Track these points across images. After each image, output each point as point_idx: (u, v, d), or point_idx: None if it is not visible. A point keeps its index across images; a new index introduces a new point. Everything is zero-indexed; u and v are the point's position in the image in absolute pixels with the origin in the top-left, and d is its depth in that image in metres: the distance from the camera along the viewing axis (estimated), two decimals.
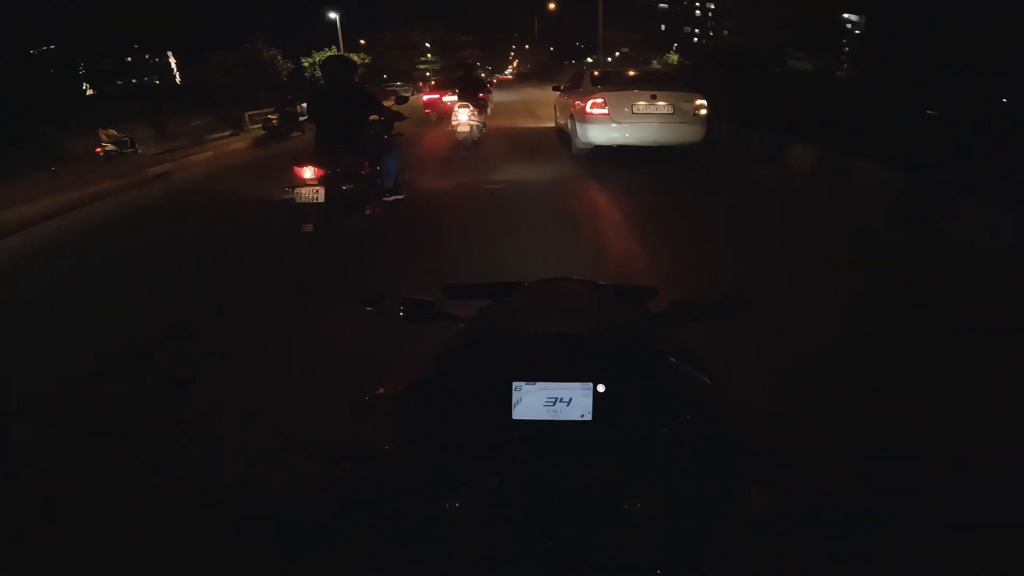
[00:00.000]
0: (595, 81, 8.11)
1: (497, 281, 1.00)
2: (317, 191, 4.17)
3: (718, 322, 0.91)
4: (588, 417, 0.68)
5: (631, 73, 8.81)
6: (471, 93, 10.23)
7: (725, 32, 64.06)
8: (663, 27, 74.23)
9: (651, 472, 0.64)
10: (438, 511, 0.62)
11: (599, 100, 7.33)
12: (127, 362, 2.82)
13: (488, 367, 0.73)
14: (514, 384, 0.69)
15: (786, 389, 2.11)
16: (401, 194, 5.25)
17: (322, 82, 4.85)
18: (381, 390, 0.79)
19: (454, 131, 9.90)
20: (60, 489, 1.78)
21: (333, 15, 32.72)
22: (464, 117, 9.78)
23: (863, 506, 0.61)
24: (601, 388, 0.68)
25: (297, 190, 4.20)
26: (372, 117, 4.92)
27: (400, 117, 5.33)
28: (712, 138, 7.97)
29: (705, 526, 0.64)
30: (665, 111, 7.27)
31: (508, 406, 0.69)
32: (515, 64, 71.34)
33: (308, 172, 4.23)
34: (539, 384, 0.69)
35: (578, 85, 8.59)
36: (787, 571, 0.58)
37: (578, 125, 7.65)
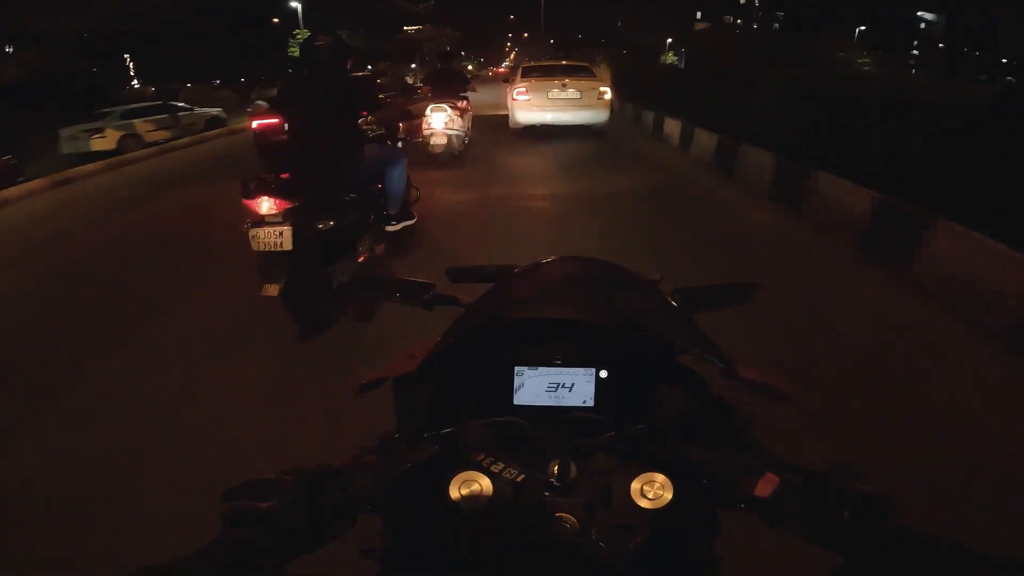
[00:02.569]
0: (524, 73, 9.53)
1: (499, 265, 0.96)
2: (280, 233, 2.64)
3: (722, 310, 0.89)
4: (590, 403, 0.67)
5: (553, 65, 10.01)
6: (449, 91, 7.40)
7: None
8: (699, 14, 62.35)
9: (654, 458, 0.59)
10: (439, 498, 0.58)
11: (523, 88, 8.88)
12: None
13: (489, 352, 0.69)
14: (516, 369, 0.67)
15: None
16: (412, 218, 3.69)
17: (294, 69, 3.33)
18: (381, 374, 0.73)
19: (426, 143, 6.93)
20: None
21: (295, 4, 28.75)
22: (439, 124, 6.90)
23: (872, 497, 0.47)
24: (604, 374, 0.67)
25: (253, 232, 2.62)
26: (369, 117, 3.49)
27: (409, 116, 3.89)
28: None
29: (712, 514, 0.62)
30: (574, 96, 8.79)
31: (509, 391, 0.67)
32: (512, 57, 67.96)
33: (266, 205, 2.65)
34: (541, 369, 0.68)
35: (514, 76, 9.85)
36: (794, 561, 0.57)
37: (511, 109, 9.17)
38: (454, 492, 0.58)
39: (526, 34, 70.30)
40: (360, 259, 3.06)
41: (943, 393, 2.36)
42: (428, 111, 6.97)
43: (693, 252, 4.07)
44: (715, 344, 0.70)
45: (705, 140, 7.77)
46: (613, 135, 9.61)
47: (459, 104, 7.32)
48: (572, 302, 0.77)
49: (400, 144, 3.85)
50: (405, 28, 41.66)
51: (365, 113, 3.39)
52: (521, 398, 0.67)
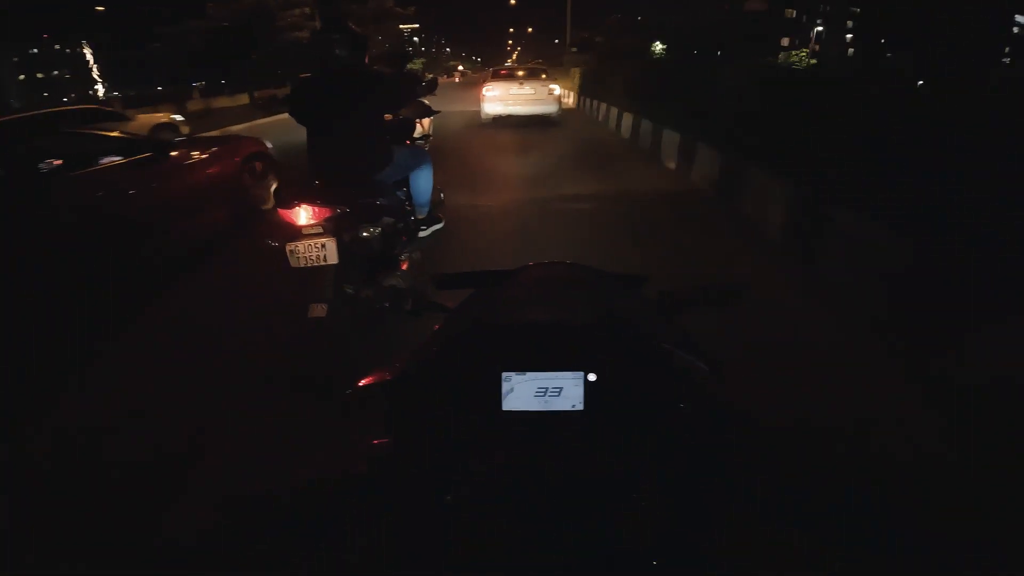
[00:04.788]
0: (493, 75, 11.76)
1: (488, 269, 0.95)
2: (323, 245, 2.37)
3: (709, 310, 0.88)
4: (580, 407, 0.66)
5: (515, 69, 12.34)
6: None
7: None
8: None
9: (646, 461, 0.61)
10: (431, 505, 0.59)
11: (490, 87, 11.15)
12: None
13: (476, 358, 0.69)
14: (503, 375, 0.66)
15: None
16: (440, 222, 3.39)
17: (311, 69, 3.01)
18: (368, 381, 0.73)
19: None
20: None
21: None
22: None
23: (865, 491, 0.50)
24: (592, 377, 0.66)
25: (291, 247, 2.33)
26: (388, 117, 3.22)
27: (429, 112, 3.64)
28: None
29: (704, 515, 0.60)
30: (529, 93, 11.03)
31: (498, 397, 0.66)
32: (515, 57, 66.21)
33: (304, 215, 2.40)
34: (529, 374, 0.67)
35: (485, 79, 12.04)
36: (790, 560, 0.55)
37: (481, 104, 11.24)
38: (439, 499, 0.58)
39: (530, 29, 68.66)
40: (403, 266, 2.83)
41: None
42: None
43: None
44: (698, 345, 0.70)
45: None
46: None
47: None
48: (558, 306, 0.77)
49: (425, 144, 3.60)
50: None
51: (389, 116, 3.13)
52: (510, 404, 0.66)
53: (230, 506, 0.54)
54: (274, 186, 5.32)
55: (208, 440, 2.03)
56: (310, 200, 2.32)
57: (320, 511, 0.54)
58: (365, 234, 2.47)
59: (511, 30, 78.60)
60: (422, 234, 3.23)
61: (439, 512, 0.59)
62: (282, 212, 2.34)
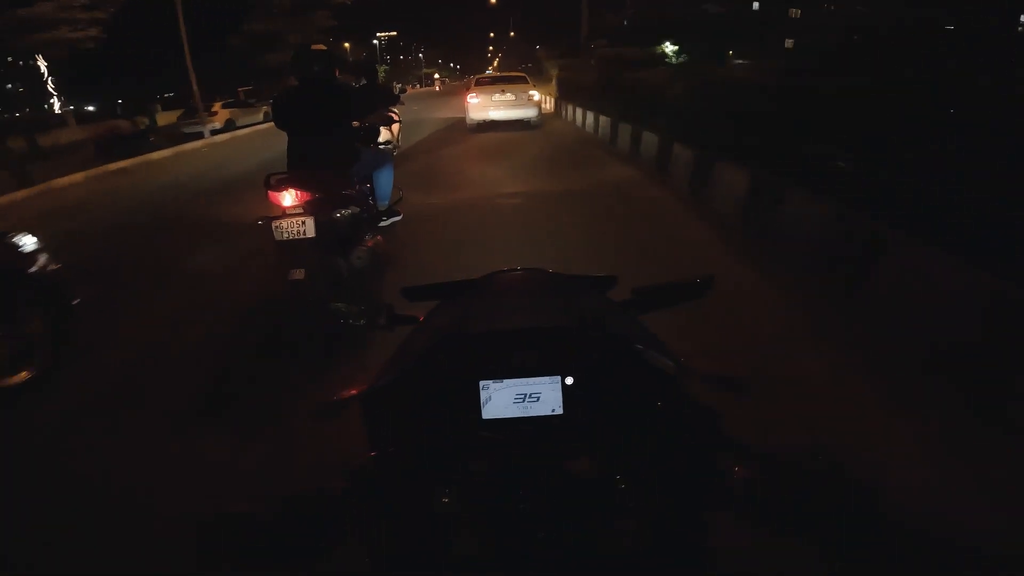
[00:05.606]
0: (477, 83, 12.90)
1: (456, 280, 0.95)
2: (303, 223, 3.01)
3: (679, 305, 0.90)
4: (559, 411, 0.67)
5: (497, 76, 13.70)
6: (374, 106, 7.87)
7: None
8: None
9: (628, 461, 0.62)
10: (417, 518, 0.61)
11: (474, 94, 12.12)
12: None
13: (452, 369, 0.69)
14: (481, 383, 0.67)
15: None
16: (399, 215, 4.08)
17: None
18: (342, 396, 0.73)
19: None
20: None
21: None
22: None
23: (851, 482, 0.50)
24: (570, 381, 0.67)
25: (276, 223, 2.96)
26: (356, 124, 3.87)
27: (389, 121, 4.30)
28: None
29: (688, 510, 0.62)
30: (510, 99, 11.88)
31: (477, 406, 0.67)
32: (496, 64, 66.18)
33: (289, 198, 3.00)
34: (506, 381, 0.67)
35: (469, 87, 13.23)
36: (778, 554, 0.58)
37: (466, 111, 12.24)
38: (425, 511, 0.61)
39: (512, 32, 67.28)
40: (368, 244, 3.44)
41: None
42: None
43: None
44: (664, 343, 0.73)
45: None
46: None
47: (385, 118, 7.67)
48: (531, 311, 0.78)
49: (395, 150, 4.24)
50: None
51: (357, 123, 3.78)
52: (489, 412, 0.67)
53: (216, 526, 0.53)
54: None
55: (181, 454, 2.10)
56: (294, 185, 2.93)
57: (305, 527, 0.55)
58: (338, 215, 3.08)
59: (491, 35, 78.14)
60: (383, 223, 3.84)
61: (425, 524, 0.60)
62: (271, 194, 2.92)
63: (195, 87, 16.77)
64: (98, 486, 1.94)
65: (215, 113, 19.25)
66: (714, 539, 0.63)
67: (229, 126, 19.33)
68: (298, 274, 2.97)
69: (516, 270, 0.95)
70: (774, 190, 4.14)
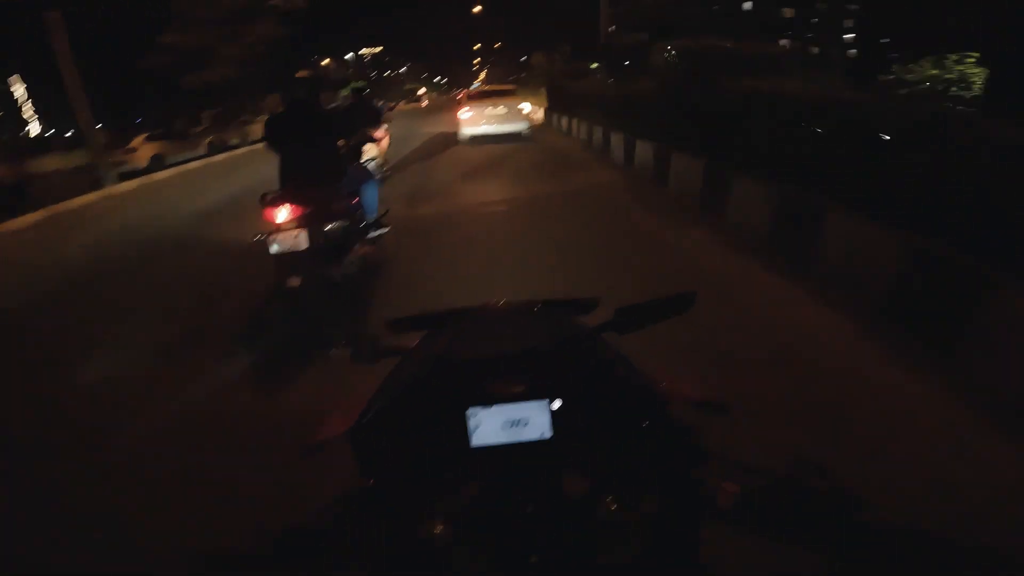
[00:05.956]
0: (468, 98, 13.53)
1: (440, 311, 0.97)
2: (297, 235, 3.31)
3: (662, 321, 0.91)
4: (548, 435, 0.67)
5: (488, 90, 13.80)
6: (363, 124, 8.39)
7: None
8: None
9: (618, 480, 0.64)
10: (413, 542, 0.61)
11: (466, 109, 12.57)
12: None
13: (440, 397, 0.71)
14: (468, 411, 0.67)
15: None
16: (386, 226, 4.43)
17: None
18: (331, 426, 0.77)
19: None
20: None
21: None
22: None
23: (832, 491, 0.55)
24: (557, 405, 0.68)
25: (272, 237, 3.30)
26: (341, 143, 4.19)
27: (371, 139, 4.63)
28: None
29: (679, 524, 0.64)
30: (503, 112, 12.41)
31: (466, 434, 0.67)
32: (484, 76, 65.89)
33: (283, 213, 3.33)
34: (494, 408, 0.68)
35: (461, 102, 14.00)
36: (772, 561, 0.59)
37: (459, 126, 12.63)
38: (418, 541, 0.62)
39: (498, 43, 65.93)
40: (359, 253, 3.76)
41: None
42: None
43: None
44: (635, 366, 0.75)
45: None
46: None
47: (375, 134, 8.05)
48: (516, 338, 0.80)
49: (384, 166, 4.56)
50: None
51: (342, 142, 4.10)
52: (478, 439, 0.68)
53: (211, 563, 0.55)
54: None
55: (174, 491, 2.11)
56: (287, 201, 3.23)
57: (301, 561, 0.56)
58: (328, 227, 3.38)
59: (477, 46, 77.40)
60: (371, 235, 4.15)
61: (419, 550, 0.61)
62: (266, 211, 3.23)
63: (84, 113, 12.32)
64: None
65: (133, 150, 15.09)
66: (706, 549, 0.64)
67: (155, 164, 14.89)
68: (294, 282, 3.28)
69: (498, 302, 0.99)
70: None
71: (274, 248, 3.29)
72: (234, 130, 20.38)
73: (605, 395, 0.70)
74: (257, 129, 18.50)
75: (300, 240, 3.29)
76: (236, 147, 19.00)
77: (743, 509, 0.56)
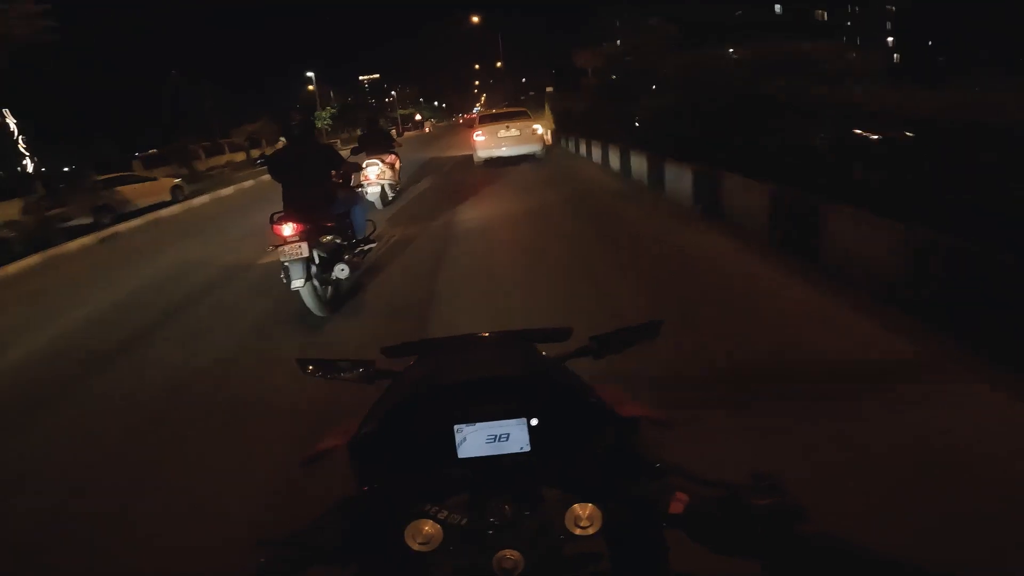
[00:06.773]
0: (481, 120, 14.45)
1: (430, 338, 1.13)
2: (300, 246, 4.17)
3: (632, 348, 1.03)
4: (527, 448, 0.76)
5: (499, 112, 15.30)
6: (379, 148, 9.55)
7: None
8: None
9: (591, 488, 0.70)
10: (397, 548, 0.68)
11: (480, 132, 13.33)
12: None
13: (430, 415, 0.79)
14: (455, 427, 0.77)
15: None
16: (374, 243, 5.36)
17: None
18: (328, 445, 0.88)
19: (363, 192, 8.66)
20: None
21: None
22: (373, 175, 9.09)
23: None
24: (534, 422, 0.77)
25: (280, 249, 4.16)
26: (332, 172, 5.05)
27: (357, 168, 5.47)
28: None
29: (647, 530, 0.70)
30: (515, 134, 13.04)
31: (453, 447, 0.77)
32: (483, 100, 64.75)
33: (288, 229, 4.22)
34: (478, 424, 0.77)
35: (474, 125, 14.88)
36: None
37: (474, 149, 13.49)
38: (410, 541, 0.67)
39: (499, 63, 66.03)
40: (351, 262, 4.58)
41: None
42: (363, 165, 9.00)
43: None
44: (593, 389, 0.84)
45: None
46: None
47: (387, 159, 9.56)
48: (497, 364, 0.91)
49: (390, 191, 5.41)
50: None
51: (334, 172, 4.98)
52: (464, 451, 0.76)
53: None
54: None
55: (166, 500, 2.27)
56: (292, 219, 4.07)
57: (300, 563, 0.60)
58: (324, 240, 4.22)
59: (476, 67, 78.24)
60: (360, 250, 5.02)
61: (410, 553, 0.67)
62: (275, 228, 4.07)
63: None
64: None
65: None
66: (677, 561, 0.69)
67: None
68: (298, 283, 4.08)
69: (481, 334, 1.10)
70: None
71: (282, 257, 4.10)
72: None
73: (574, 413, 0.79)
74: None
75: (302, 250, 4.12)
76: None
77: (692, 518, 0.59)
